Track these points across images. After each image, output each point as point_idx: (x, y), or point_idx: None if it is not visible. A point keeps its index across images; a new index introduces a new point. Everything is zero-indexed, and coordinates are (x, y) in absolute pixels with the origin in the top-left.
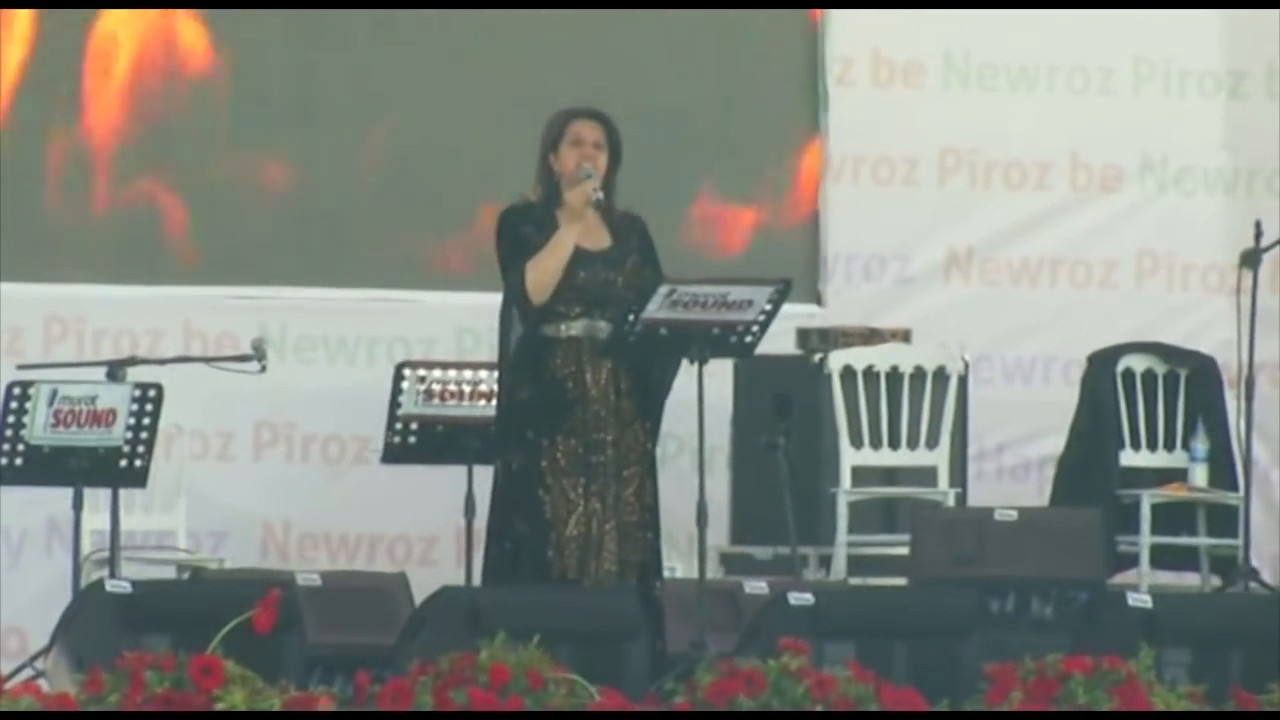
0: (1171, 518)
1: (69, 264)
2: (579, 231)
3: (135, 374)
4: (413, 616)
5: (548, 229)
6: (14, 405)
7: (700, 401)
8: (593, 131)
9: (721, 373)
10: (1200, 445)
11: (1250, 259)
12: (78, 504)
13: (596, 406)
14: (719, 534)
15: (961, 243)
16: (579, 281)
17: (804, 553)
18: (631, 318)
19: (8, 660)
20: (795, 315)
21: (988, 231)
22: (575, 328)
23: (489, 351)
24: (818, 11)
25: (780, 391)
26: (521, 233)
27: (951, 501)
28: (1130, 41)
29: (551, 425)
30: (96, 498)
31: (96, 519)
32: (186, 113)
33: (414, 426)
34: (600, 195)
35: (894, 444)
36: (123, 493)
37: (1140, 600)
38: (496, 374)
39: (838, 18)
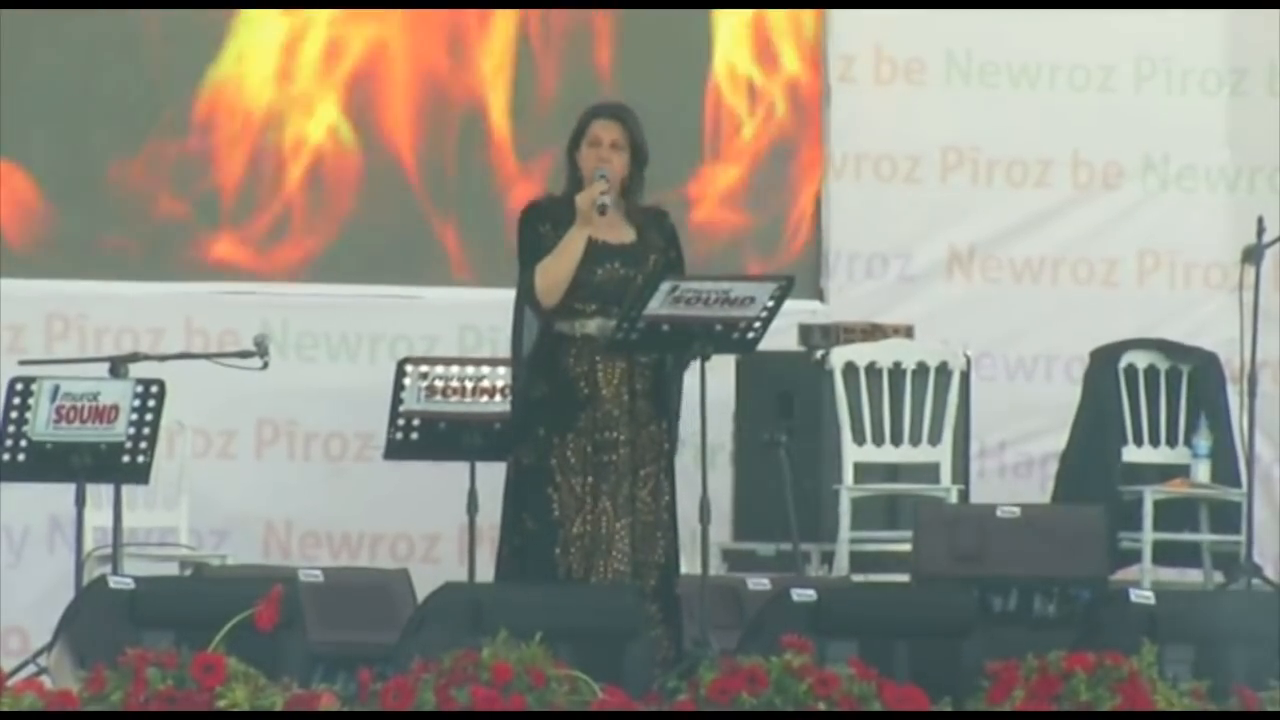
0: (1174, 514)
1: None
2: (589, 232)
3: (137, 370)
4: (415, 614)
5: (564, 226)
6: (16, 401)
7: (703, 398)
8: (610, 131)
9: (724, 369)
10: (1203, 441)
11: (1252, 255)
12: (80, 500)
13: (608, 406)
14: (721, 530)
15: (963, 240)
16: (596, 279)
17: (806, 549)
18: (633, 313)
19: (10, 658)
20: (797, 312)
21: (990, 229)
22: (589, 325)
23: (491, 348)
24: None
25: (782, 388)
26: (538, 230)
27: (954, 498)
28: (1132, 39)
29: (563, 423)
30: (99, 494)
31: (99, 516)
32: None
33: (416, 423)
34: (605, 200)
35: (896, 440)
36: (125, 489)
37: (1143, 597)
38: (510, 370)
39: (840, 16)
